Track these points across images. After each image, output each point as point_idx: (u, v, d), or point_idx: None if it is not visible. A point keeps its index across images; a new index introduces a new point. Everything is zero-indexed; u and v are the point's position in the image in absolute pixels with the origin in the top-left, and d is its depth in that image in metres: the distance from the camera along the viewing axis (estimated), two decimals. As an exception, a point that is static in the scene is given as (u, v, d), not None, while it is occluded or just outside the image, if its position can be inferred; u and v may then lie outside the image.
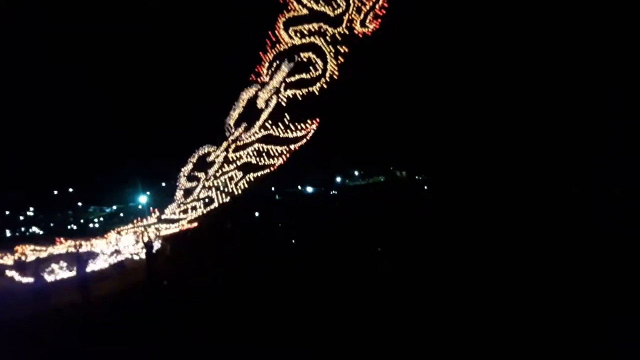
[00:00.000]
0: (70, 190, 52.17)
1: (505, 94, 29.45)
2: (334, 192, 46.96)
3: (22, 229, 46.75)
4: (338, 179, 50.93)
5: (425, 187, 37.83)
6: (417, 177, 42.55)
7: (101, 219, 51.24)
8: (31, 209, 49.79)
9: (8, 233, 43.25)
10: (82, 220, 51.86)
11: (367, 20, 21.90)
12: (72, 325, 12.72)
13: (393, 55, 29.23)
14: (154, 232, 23.57)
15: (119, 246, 21.90)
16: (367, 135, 36.97)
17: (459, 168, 33.03)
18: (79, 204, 54.17)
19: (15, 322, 13.30)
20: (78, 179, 47.16)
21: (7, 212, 46.29)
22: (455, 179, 32.21)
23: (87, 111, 38.13)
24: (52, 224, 48.19)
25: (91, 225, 46.96)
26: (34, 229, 47.33)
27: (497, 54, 30.11)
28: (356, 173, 52.53)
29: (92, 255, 20.59)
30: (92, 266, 19.76)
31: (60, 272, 19.16)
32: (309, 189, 48.56)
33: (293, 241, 22.02)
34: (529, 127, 27.52)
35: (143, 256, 20.26)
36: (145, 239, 20.79)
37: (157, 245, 22.12)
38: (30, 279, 17.78)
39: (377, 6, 22.15)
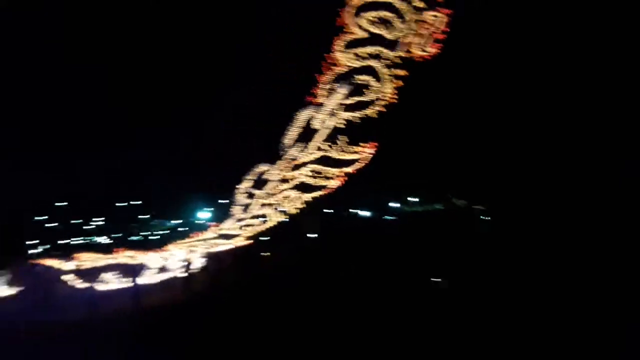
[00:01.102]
0: (137, 203, 54.57)
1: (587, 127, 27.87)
2: (389, 217, 46.21)
3: (88, 237, 49.28)
4: (394, 205, 50.13)
5: (484, 218, 36.41)
6: (475, 207, 41.07)
7: (163, 232, 53.13)
8: (98, 219, 52.39)
9: (74, 241, 45.68)
10: (144, 233, 54.00)
11: (426, 44, 21.82)
12: (121, 332, 13.22)
13: (452, 80, 28.73)
14: (206, 248, 24.21)
15: (170, 261, 22.59)
16: (426, 161, 36.28)
17: (522, 201, 31.67)
18: (143, 216, 56.42)
19: (67, 325, 14.04)
20: (143, 193, 49.23)
21: (75, 221, 49.01)
22: (517, 212, 30.82)
23: (156, 129, 39.92)
24: (116, 235, 50.47)
25: (153, 238, 48.80)
26: (98, 238, 49.74)
27: (573, 85, 28.62)
28: (413, 199, 51.51)
29: (144, 267, 21.41)
30: (143, 278, 20.54)
31: (114, 282, 20.02)
32: (364, 213, 48.13)
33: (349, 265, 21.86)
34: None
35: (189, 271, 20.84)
36: (191, 256, 21.41)
37: (201, 262, 22.68)
38: (85, 285, 18.77)
39: (436, 30, 22.09)
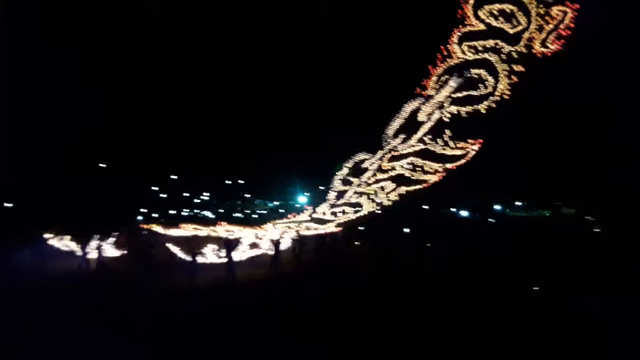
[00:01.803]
0: (241, 182, 57.28)
1: None
2: (491, 220, 44.31)
3: (196, 210, 52.82)
4: (497, 207, 47.95)
5: (597, 230, 33.62)
6: (587, 217, 38.02)
7: (264, 211, 55.49)
8: (206, 194, 55.80)
9: (184, 212, 49.05)
10: (247, 211, 56.77)
11: (549, 40, 20.37)
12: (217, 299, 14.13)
13: (574, 80, 26.55)
14: (296, 231, 24.75)
15: (262, 239, 23.34)
16: (535, 165, 34.17)
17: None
18: (247, 195, 59.23)
19: (165, 290, 15.31)
20: (250, 173, 51.66)
21: (186, 194, 52.66)
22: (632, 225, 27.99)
23: (265, 115, 41.70)
24: (221, 210, 53.55)
25: (254, 216, 51.07)
26: (206, 212, 53.13)
27: None
28: (518, 203, 48.92)
29: (239, 242, 22.36)
30: (236, 253, 21.53)
31: (211, 254, 21.11)
32: (464, 213, 46.59)
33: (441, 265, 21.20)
34: None
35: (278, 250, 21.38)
36: (275, 237, 21.94)
37: (290, 243, 23.18)
38: (184, 253, 20.10)
39: (561, 25, 20.56)
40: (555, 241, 28.44)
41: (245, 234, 23.63)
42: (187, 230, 22.86)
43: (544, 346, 8.84)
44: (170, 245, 21.50)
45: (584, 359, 8.09)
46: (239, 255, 21.75)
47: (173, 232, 22.54)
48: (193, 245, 20.73)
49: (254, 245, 23.31)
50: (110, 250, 23.16)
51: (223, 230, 23.39)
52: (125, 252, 22.91)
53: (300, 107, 39.24)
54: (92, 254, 22.01)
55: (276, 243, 21.14)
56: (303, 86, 38.23)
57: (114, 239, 23.82)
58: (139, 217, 35.74)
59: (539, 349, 8.69)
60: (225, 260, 19.38)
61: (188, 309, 13.01)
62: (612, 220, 32.80)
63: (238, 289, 16.64)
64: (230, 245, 20.07)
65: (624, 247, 23.16)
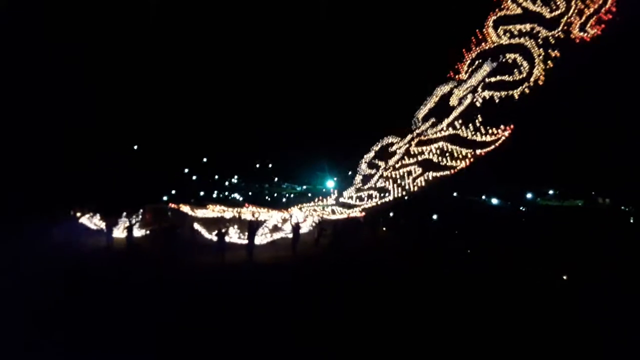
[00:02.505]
0: (270, 165, 57.71)
1: None
2: (522, 208, 43.46)
3: (226, 192, 53.60)
4: (529, 195, 46.95)
5: (632, 220, 32.62)
6: (623, 207, 36.92)
7: (291, 195, 55.86)
8: (235, 177, 56.46)
9: (215, 194, 49.85)
10: (275, 194, 57.25)
11: (588, 25, 19.59)
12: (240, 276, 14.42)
13: (612, 66, 25.45)
14: (319, 216, 24.70)
15: (286, 222, 23.46)
16: (569, 152, 33.20)
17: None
18: (275, 179, 59.68)
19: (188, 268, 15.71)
20: (278, 157, 52.02)
21: (217, 177, 53.43)
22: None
23: (294, 99, 41.81)
24: (249, 193, 54.17)
25: (283, 199, 51.50)
26: (235, 194, 53.86)
27: None
28: (550, 192, 47.80)
29: (262, 224, 22.61)
30: (259, 234, 21.82)
31: (234, 235, 21.34)
32: (494, 201, 45.80)
33: (469, 251, 20.84)
34: None
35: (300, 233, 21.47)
36: (294, 221, 21.97)
37: (313, 226, 23.17)
38: (211, 236, 20.41)
39: (603, 9, 19.74)
40: (588, 232, 27.72)
41: (270, 216, 23.81)
42: (214, 211, 23.14)
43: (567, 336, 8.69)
44: (196, 225, 21.83)
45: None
46: (261, 237, 22.03)
47: (200, 212, 22.85)
48: (219, 226, 21.01)
49: (276, 228, 23.53)
50: (138, 229, 23.73)
51: (249, 212, 23.59)
52: (152, 231, 23.39)
53: (329, 90, 39.09)
54: (121, 233, 22.56)
55: (296, 226, 21.18)
56: (333, 69, 38.03)
57: (141, 218, 24.42)
58: (168, 197, 36.40)
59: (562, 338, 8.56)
60: (247, 241, 19.55)
61: (209, 289, 13.25)
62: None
63: (258, 270, 16.80)
64: (253, 227, 20.28)
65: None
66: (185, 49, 40.72)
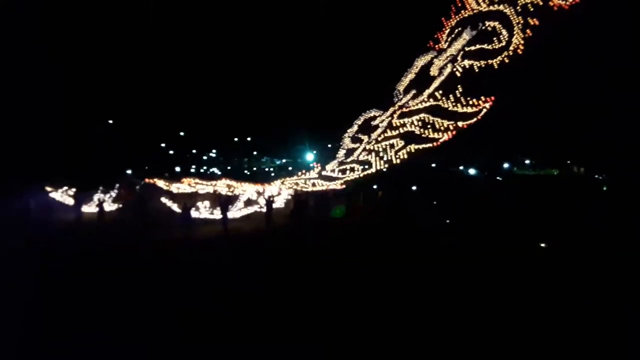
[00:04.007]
0: (249, 139, 57.07)
1: None
2: (498, 178, 44.08)
3: (204, 167, 53.04)
4: (505, 165, 47.62)
5: (605, 189, 33.40)
6: (596, 176, 37.75)
7: (271, 169, 55.60)
8: (214, 151, 55.77)
9: (193, 168, 49.24)
10: (254, 168, 56.88)
11: (568, -9, 19.54)
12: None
13: (590, 35, 25.54)
14: (303, 188, 24.72)
15: (261, 196, 23.45)
16: (546, 121, 33.57)
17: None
18: (255, 152, 59.16)
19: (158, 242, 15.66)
20: (257, 130, 51.40)
21: (194, 151, 52.69)
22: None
23: (271, 72, 41.16)
24: (228, 167, 53.68)
25: (262, 173, 51.19)
26: (214, 169, 53.33)
27: None
28: (527, 162, 48.55)
29: (237, 198, 22.58)
30: (232, 209, 21.80)
31: (205, 210, 21.21)
32: (472, 171, 46.32)
33: (447, 221, 21.10)
34: None
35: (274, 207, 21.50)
36: (268, 194, 22.01)
37: (289, 200, 23.19)
38: (181, 210, 20.34)
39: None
40: (563, 200, 28.30)
41: (246, 190, 23.79)
42: (190, 185, 22.91)
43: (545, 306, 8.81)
44: (164, 199, 21.63)
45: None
46: (235, 211, 22.01)
47: (175, 187, 22.59)
48: (190, 200, 21.00)
49: (250, 202, 23.57)
50: (110, 204, 23.64)
51: (224, 185, 23.52)
52: (123, 205, 23.35)
53: (309, 61, 38.59)
54: (92, 208, 22.37)
55: (270, 200, 21.17)
56: (311, 40, 37.46)
57: (114, 193, 24.28)
58: (143, 172, 35.91)
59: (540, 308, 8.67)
60: (220, 216, 19.49)
61: (178, 261, 13.26)
62: (620, 180, 32.51)
63: (229, 243, 16.78)
64: (224, 201, 20.28)
65: (631, 206, 23.00)
66: (163, 21, 39.56)
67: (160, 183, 23.11)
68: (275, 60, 40.63)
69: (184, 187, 22.66)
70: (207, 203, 21.63)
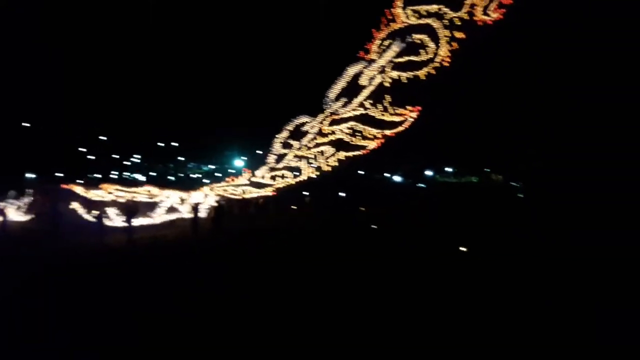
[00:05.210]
0: (175, 144, 55.32)
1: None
2: (422, 185, 45.82)
3: (127, 172, 50.75)
4: (429, 173, 49.60)
5: (521, 195, 35.67)
6: (513, 183, 40.28)
7: (198, 175, 54.20)
8: (136, 156, 53.56)
9: (114, 174, 46.89)
10: (180, 174, 55.22)
11: (491, 8, 20.57)
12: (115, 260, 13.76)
13: (511, 50, 27.21)
14: (231, 194, 24.47)
15: (185, 202, 22.98)
16: (467, 132, 35.37)
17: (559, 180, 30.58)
18: (180, 158, 57.46)
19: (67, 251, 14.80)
20: (184, 135, 49.94)
21: (116, 156, 50.33)
22: (555, 191, 29.78)
23: (199, 77, 40.27)
24: (153, 173, 51.71)
25: (188, 180, 49.72)
26: (137, 175, 51.16)
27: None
28: (448, 169, 50.88)
29: (158, 205, 22.04)
30: (154, 216, 21.40)
31: (118, 217, 20.34)
32: (397, 178, 47.80)
33: (374, 226, 21.52)
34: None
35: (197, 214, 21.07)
36: (193, 201, 21.73)
37: (214, 207, 22.82)
38: (92, 216, 19.39)
39: (504, -6, 20.80)
40: (483, 205, 29.87)
41: (169, 197, 23.17)
42: (108, 192, 21.80)
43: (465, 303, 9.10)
44: (77, 206, 20.48)
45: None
46: (155, 218, 21.65)
47: (92, 193, 21.37)
48: (106, 207, 20.13)
49: (173, 209, 23.02)
50: (16, 211, 22.19)
51: (145, 192, 22.75)
52: (36, 212, 21.97)
53: (239, 66, 38.15)
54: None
55: (195, 207, 20.69)
56: (241, 46, 37.07)
57: (25, 199, 22.80)
58: (60, 177, 33.74)
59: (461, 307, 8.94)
60: (127, 223, 18.74)
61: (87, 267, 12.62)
62: (533, 187, 34.78)
63: (141, 251, 16.14)
64: (131, 209, 19.61)
65: (543, 211, 24.67)
66: (83, 18, 37.45)
67: (77, 189, 21.76)
68: (203, 64, 39.76)
69: (102, 193, 21.48)
70: (118, 210, 20.65)
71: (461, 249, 14.89)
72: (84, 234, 18.27)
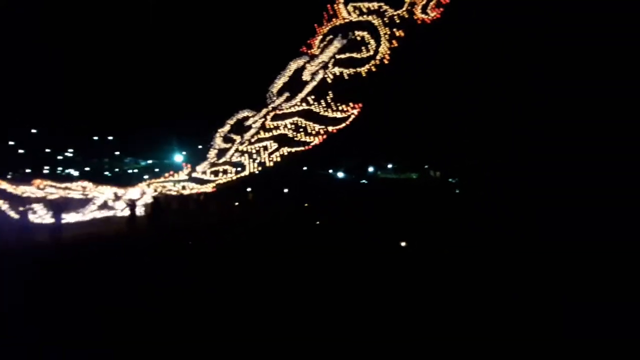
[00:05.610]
0: (110, 138, 53.09)
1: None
2: (364, 181, 46.49)
3: (60, 168, 48.26)
4: (370, 169, 50.36)
5: (457, 191, 36.99)
6: (450, 179, 41.68)
7: (135, 170, 52.34)
8: (70, 150, 51.07)
9: (46, 170, 44.46)
10: (116, 169, 53.12)
11: (429, 7, 21.17)
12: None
13: (449, 48, 28.08)
14: (168, 190, 23.87)
15: (120, 199, 22.24)
16: (407, 129, 36.18)
17: (492, 176, 32.00)
18: (116, 153, 55.25)
19: None
20: (119, 129, 47.94)
21: (48, 150, 47.74)
22: (487, 186, 31.17)
23: (136, 67, 38.76)
24: (87, 168, 49.44)
25: (125, 175, 47.92)
26: (70, 170, 48.77)
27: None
28: (389, 166, 51.83)
29: (90, 202, 21.17)
30: (85, 212, 20.60)
31: (46, 214, 19.45)
32: (340, 174, 48.24)
33: (317, 222, 21.62)
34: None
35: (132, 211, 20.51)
36: (129, 198, 21.14)
37: (150, 204, 22.30)
38: (17, 213, 18.43)
39: (441, -6, 21.48)
40: (422, 200, 30.70)
41: (103, 193, 22.31)
42: (38, 188, 20.68)
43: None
44: (2, 204, 19.33)
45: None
46: (86, 215, 20.82)
47: (21, 189, 20.19)
48: (30, 203, 19.12)
49: (106, 205, 22.19)
50: None
51: (78, 188, 21.79)
52: None
53: (181, 57, 37.08)
54: None
55: (131, 203, 20.05)
56: (182, 36, 36.06)
57: None
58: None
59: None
60: (55, 221, 17.93)
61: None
62: (470, 183, 36.20)
63: (73, 249, 15.48)
64: (59, 205, 18.79)
65: (478, 206, 25.73)
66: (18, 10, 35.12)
67: (4, 185, 20.43)
68: (142, 55, 38.34)
69: (32, 189, 20.29)
70: (44, 206, 19.62)
71: (401, 244, 15.25)
72: (9, 232, 17.18)
